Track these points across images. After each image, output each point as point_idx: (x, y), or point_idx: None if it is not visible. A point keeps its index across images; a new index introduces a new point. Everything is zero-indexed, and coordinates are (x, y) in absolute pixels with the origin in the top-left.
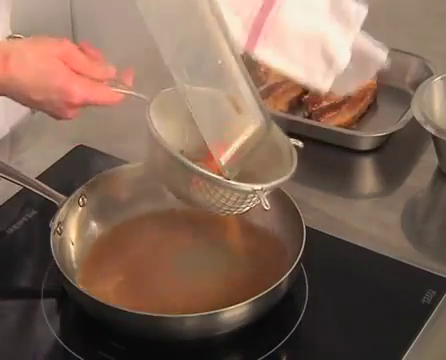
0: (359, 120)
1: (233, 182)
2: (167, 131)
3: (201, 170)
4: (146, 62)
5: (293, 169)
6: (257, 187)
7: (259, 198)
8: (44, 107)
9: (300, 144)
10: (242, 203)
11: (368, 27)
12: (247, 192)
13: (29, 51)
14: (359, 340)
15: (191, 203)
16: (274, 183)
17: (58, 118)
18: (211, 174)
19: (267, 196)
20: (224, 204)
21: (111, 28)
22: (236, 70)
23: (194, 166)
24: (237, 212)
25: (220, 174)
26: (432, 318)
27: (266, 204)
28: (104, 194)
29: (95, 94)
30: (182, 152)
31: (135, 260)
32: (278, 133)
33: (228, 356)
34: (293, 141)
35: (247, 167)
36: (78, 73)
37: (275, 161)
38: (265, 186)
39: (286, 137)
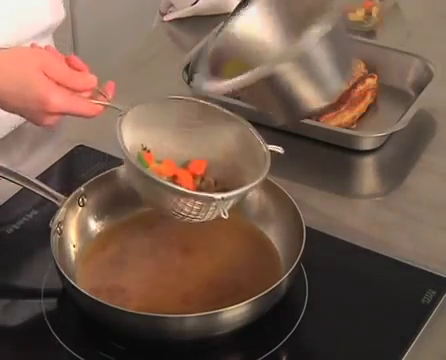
0: (359, 120)
1: (193, 192)
2: (140, 139)
3: (157, 179)
4: (147, 59)
5: (261, 177)
6: (217, 196)
7: (217, 208)
8: (22, 114)
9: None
10: (206, 211)
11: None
12: (208, 201)
13: (8, 61)
14: (359, 340)
15: (160, 210)
16: (235, 192)
17: (36, 124)
18: (167, 183)
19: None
20: (188, 212)
21: (111, 27)
22: None
23: (152, 175)
24: (202, 219)
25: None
26: (432, 318)
27: (224, 213)
28: (104, 194)
29: (72, 105)
30: (146, 150)
31: (135, 260)
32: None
33: (228, 356)
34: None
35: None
36: (58, 83)
37: (251, 166)
38: (225, 195)
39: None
